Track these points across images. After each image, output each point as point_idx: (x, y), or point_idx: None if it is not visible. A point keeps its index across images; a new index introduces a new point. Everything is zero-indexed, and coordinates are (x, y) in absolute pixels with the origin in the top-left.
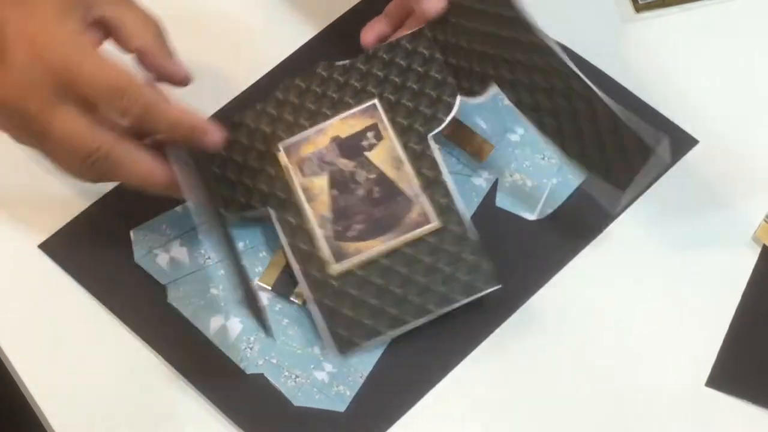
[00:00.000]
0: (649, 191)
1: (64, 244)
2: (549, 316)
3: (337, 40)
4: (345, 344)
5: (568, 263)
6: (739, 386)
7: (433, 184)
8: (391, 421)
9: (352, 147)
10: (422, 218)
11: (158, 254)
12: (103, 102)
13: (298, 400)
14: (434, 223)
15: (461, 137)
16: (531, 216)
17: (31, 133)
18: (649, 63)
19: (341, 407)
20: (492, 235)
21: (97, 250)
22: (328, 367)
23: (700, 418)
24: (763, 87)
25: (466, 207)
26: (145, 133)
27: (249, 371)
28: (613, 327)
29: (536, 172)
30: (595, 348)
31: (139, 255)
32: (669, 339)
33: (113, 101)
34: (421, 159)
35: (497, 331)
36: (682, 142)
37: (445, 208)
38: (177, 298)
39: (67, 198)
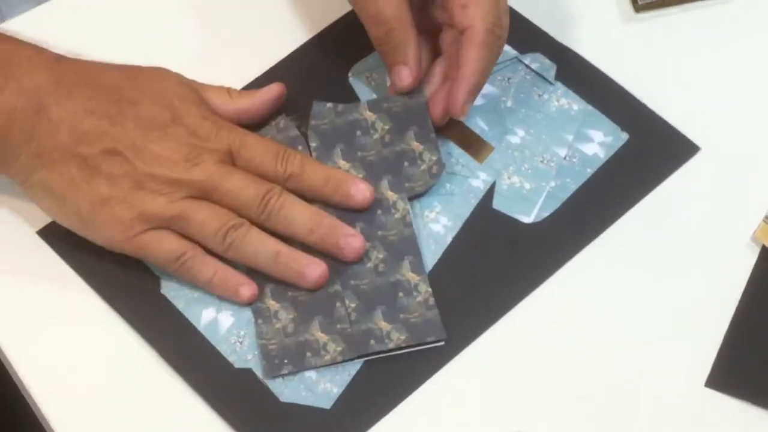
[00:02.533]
0: (648, 195)
1: (62, 231)
2: (545, 316)
3: (335, 42)
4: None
5: (566, 265)
6: (739, 386)
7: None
8: (377, 418)
9: None
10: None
11: None
12: (268, 165)
13: (285, 396)
14: None
15: (461, 137)
16: (528, 219)
17: (196, 195)
18: (649, 64)
19: (327, 404)
20: (488, 237)
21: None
22: None
23: (700, 418)
24: (765, 87)
25: (462, 208)
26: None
27: (238, 365)
28: (611, 328)
29: (535, 175)
30: (594, 348)
31: None
32: (669, 339)
33: (278, 162)
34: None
35: (489, 331)
36: (683, 149)
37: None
38: (170, 289)
39: None
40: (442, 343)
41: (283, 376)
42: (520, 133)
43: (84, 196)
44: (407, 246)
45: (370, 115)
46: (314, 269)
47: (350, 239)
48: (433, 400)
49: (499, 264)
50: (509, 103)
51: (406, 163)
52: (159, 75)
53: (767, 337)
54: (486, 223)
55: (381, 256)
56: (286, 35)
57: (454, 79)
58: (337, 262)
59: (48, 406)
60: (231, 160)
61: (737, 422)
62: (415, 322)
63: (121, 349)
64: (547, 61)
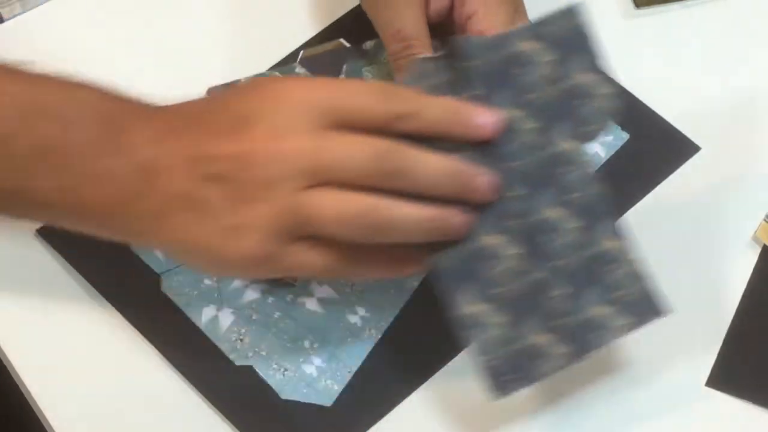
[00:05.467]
0: (648, 194)
1: (62, 229)
2: None
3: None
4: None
5: None
6: (739, 386)
7: None
8: (378, 416)
9: None
10: None
11: None
12: (380, 108)
13: (286, 393)
14: None
15: None
16: None
17: (305, 178)
18: (650, 61)
19: (328, 402)
20: None
21: (94, 237)
22: (317, 361)
23: (700, 418)
24: (766, 86)
25: None
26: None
27: (238, 363)
28: None
29: None
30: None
31: None
32: (669, 339)
33: (389, 102)
34: None
35: None
36: (683, 149)
37: None
38: (171, 287)
39: None
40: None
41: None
42: None
43: (210, 239)
44: (599, 205)
45: (528, 46)
46: (485, 176)
47: (484, 176)
48: (435, 399)
49: None
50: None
51: (576, 102)
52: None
53: (767, 337)
54: None
55: (574, 225)
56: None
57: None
58: (526, 244)
59: (47, 405)
60: (328, 119)
61: (738, 422)
62: (632, 300)
63: (122, 348)
64: None
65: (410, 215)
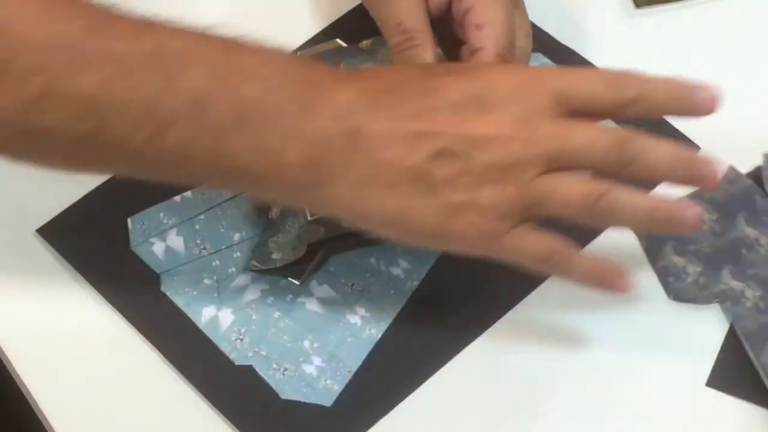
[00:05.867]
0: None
1: (61, 229)
2: (546, 315)
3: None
4: None
5: None
6: (740, 386)
7: None
8: (378, 416)
9: None
10: None
11: (154, 243)
12: (607, 97)
13: (286, 393)
14: None
15: None
16: None
17: (545, 163)
18: (650, 61)
19: (328, 402)
20: None
21: (94, 237)
22: (317, 361)
23: (700, 418)
24: (765, 84)
25: None
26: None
27: (238, 362)
28: (612, 326)
29: None
30: (594, 347)
31: (135, 243)
32: (669, 339)
33: (614, 91)
34: None
35: (491, 328)
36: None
37: None
38: (170, 287)
39: (66, 183)
40: None
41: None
42: None
43: (429, 213)
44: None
45: None
46: (693, 210)
47: (711, 165)
48: (434, 399)
49: (499, 261)
50: None
51: (743, 251)
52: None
53: None
54: None
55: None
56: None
57: None
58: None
59: (47, 405)
60: (562, 107)
61: (738, 422)
62: None
63: (122, 347)
64: (547, 60)
65: (640, 204)
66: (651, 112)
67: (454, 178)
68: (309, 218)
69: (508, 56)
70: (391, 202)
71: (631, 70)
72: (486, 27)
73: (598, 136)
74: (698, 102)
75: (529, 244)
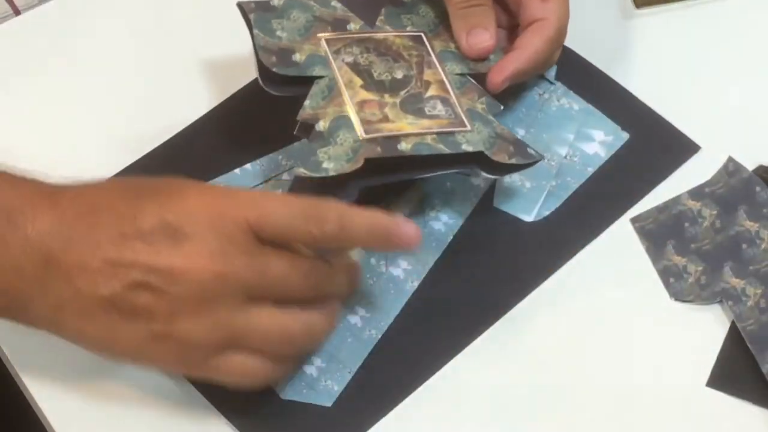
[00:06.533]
0: (648, 194)
1: None
2: (546, 315)
3: None
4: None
5: (567, 264)
6: (740, 386)
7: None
8: (378, 416)
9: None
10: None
11: None
12: (301, 231)
13: (286, 393)
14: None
15: None
16: (528, 217)
17: (242, 297)
18: (650, 61)
19: (328, 402)
20: (488, 235)
21: None
22: (317, 361)
23: (700, 418)
24: (766, 85)
25: (463, 207)
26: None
27: None
28: (612, 327)
29: (535, 173)
30: (594, 348)
31: None
32: (669, 339)
33: (311, 225)
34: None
35: (490, 329)
36: (683, 148)
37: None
38: None
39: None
40: None
41: None
42: (521, 132)
43: (129, 339)
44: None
45: (693, 204)
46: (408, 226)
47: (403, 227)
48: (434, 400)
49: (499, 262)
50: (510, 103)
51: (744, 246)
52: (164, 183)
53: None
54: (487, 221)
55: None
56: None
57: (507, 55)
58: None
59: (47, 405)
60: (259, 236)
61: (738, 422)
62: None
63: None
64: None
65: (329, 328)
66: (351, 246)
67: (151, 309)
68: (363, 136)
69: (563, 35)
70: (91, 327)
71: (331, 204)
72: (552, 1)
73: (291, 269)
74: (399, 240)
75: (232, 368)
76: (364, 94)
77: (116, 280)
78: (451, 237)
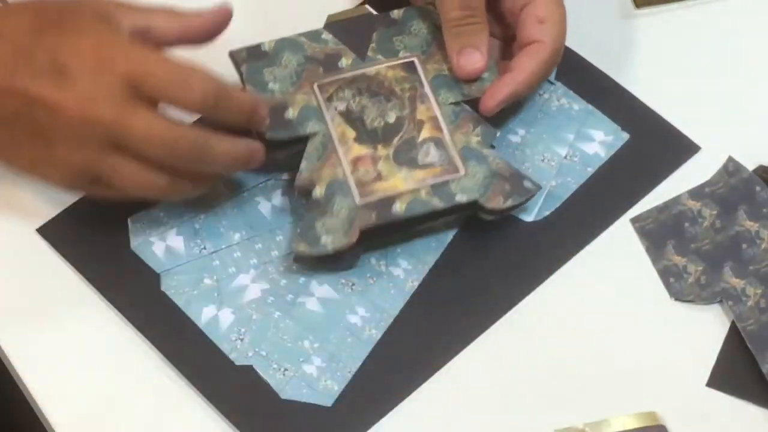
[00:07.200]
0: (648, 194)
1: (62, 229)
2: (545, 315)
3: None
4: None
5: (567, 264)
6: (740, 386)
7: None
8: (378, 416)
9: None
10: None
11: (154, 243)
12: (176, 95)
13: (286, 393)
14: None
15: None
16: (528, 218)
17: (107, 143)
18: (650, 61)
19: (328, 402)
20: (488, 235)
21: (94, 236)
22: (317, 361)
23: (700, 418)
24: (766, 85)
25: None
26: (213, 124)
27: (238, 362)
28: (612, 327)
29: (535, 173)
30: (594, 348)
31: (135, 243)
32: (669, 339)
33: (185, 93)
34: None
35: (490, 330)
36: (683, 148)
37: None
38: (170, 287)
39: None
40: None
41: None
42: (521, 132)
43: (19, 157)
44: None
45: (693, 204)
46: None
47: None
48: (434, 400)
49: (499, 262)
50: (510, 103)
51: (744, 246)
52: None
53: None
54: (487, 221)
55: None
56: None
57: (501, 78)
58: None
59: (48, 405)
60: (134, 90)
61: (738, 422)
62: None
63: (121, 347)
64: None
65: (235, 91)
66: (220, 120)
67: (32, 134)
68: (358, 202)
69: (558, 57)
70: None
71: (202, 71)
72: (548, 22)
73: (154, 131)
74: (257, 119)
75: (156, 120)
76: (358, 149)
77: (3, 106)
78: (451, 237)
